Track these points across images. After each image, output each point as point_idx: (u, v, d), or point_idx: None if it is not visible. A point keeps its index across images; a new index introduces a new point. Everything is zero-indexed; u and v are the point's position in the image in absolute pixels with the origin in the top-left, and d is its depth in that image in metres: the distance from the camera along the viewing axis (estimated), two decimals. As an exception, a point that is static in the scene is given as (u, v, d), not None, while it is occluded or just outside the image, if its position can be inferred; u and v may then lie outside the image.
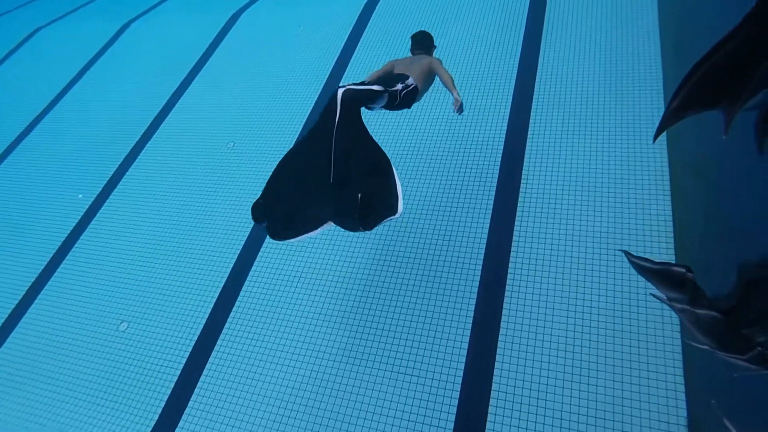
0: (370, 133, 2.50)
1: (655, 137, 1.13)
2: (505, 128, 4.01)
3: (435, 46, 3.39)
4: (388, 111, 3.04)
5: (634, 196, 3.35)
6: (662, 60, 4.00)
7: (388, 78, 3.01)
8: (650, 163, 3.47)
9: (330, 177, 2.33)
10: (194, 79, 5.81)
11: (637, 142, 3.60)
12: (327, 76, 5.15)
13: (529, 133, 3.90)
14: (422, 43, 3.30)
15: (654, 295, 1.03)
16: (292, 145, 2.62)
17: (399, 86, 2.86)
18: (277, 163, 2.51)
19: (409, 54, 3.36)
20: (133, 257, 4.20)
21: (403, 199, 2.41)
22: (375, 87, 2.65)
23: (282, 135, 4.64)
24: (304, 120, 4.68)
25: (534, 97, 4.14)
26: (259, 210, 2.45)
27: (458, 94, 3.00)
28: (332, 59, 5.32)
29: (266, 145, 4.60)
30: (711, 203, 2.46)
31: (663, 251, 3.04)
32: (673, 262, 2.92)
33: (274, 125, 4.77)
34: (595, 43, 4.37)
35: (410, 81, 2.96)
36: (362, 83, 2.79)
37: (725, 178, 2.28)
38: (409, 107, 3.03)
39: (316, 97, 4.98)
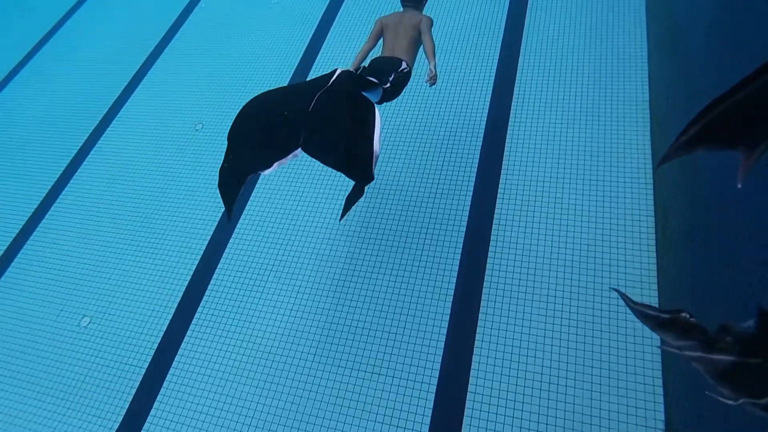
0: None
1: (657, 166, 0.99)
2: (485, 118, 3.86)
3: (425, 1, 3.25)
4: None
5: (616, 189, 3.26)
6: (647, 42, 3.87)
7: (378, 66, 2.94)
8: (633, 151, 3.37)
9: (309, 107, 2.25)
10: (161, 54, 5.44)
11: (621, 130, 3.49)
12: (302, 53, 4.88)
13: (509, 126, 3.75)
14: None
15: (663, 347, 0.91)
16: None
17: (392, 77, 2.86)
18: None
19: (400, 9, 3.22)
20: (94, 247, 3.97)
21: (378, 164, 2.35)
22: (373, 79, 2.65)
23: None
24: (277, 101, 4.43)
25: (515, 83, 3.98)
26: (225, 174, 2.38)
27: (435, 65, 2.97)
28: (308, 34, 5.03)
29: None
30: (695, 195, 2.37)
31: (644, 250, 2.98)
32: (655, 265, 2.86)
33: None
34: (579, 30, 4.21)
35: (403, 66, 2.94)
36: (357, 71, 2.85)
37: (712, 169, 2.19)
38: (398, 95, 3.01)
39: (291, 74, 4.72)
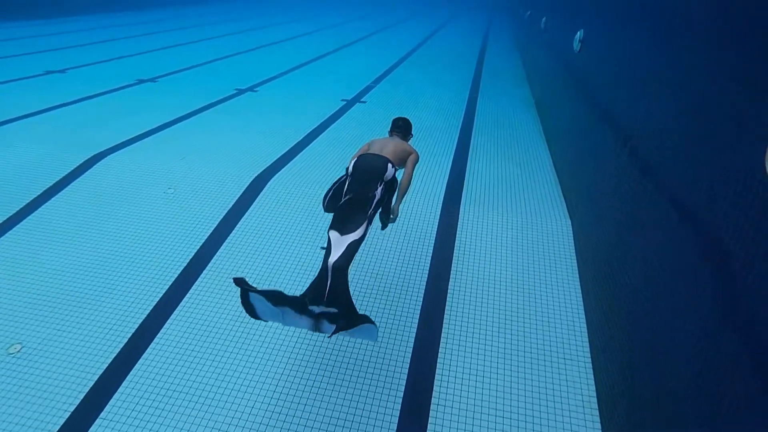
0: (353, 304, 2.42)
1: None
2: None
3: (412, 135, 3.38)
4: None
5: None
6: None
7: (368, 168, 2.78)
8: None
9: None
10: (13, 227, 4.38)
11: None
12: (193, 255, 4.08)
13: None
14: (402, 125, 3.30)
15: None
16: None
17: (380, 189, 2.72)
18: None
19: (387, 135, 3.33)
20: None
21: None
22: (357, 237, 2.51)
23: (96, 346, 3.24)
24: (137, 324, 3.41)
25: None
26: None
27: (400, 205, 2.97)
28: (204, 234, 4.32)
29: (66, 356, 3.17)
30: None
31: None
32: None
33: (88, 328, 3.38)
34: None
35: (389, 171, 2.79)
36: (340, 183, 2.82)
37: None
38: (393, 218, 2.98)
39: (170, 282, 3.82)
